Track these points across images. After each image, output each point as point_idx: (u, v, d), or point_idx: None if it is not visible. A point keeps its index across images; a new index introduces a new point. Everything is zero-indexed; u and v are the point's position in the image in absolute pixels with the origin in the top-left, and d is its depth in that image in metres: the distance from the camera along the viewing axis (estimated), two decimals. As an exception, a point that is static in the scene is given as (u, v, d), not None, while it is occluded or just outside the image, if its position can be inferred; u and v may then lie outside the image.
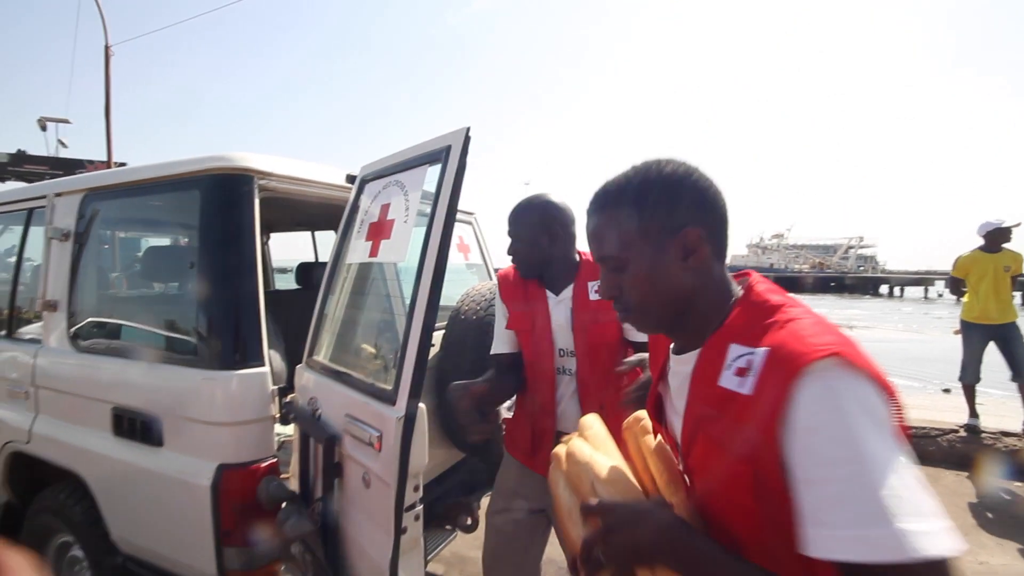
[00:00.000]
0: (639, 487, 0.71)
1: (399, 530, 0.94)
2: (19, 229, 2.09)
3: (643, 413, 0.83)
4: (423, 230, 1.00)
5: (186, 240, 1.94)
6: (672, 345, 0.75)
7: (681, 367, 0.70)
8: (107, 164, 10.37)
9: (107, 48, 8.75)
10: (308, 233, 3.51)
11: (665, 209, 0.66)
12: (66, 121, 22.08)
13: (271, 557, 1.26)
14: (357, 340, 1.51)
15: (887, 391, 0.52)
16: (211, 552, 1.26)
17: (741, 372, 0.58)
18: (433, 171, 1.05)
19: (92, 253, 1.77)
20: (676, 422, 0.71)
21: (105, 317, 1.78)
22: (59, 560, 1.72)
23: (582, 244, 1.40)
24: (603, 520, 0.60)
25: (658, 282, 0.67)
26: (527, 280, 1.40)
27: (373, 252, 1.18)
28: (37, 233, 1.96)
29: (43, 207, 1.85)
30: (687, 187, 0.66)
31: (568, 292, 1.36)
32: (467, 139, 0.99)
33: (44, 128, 21.92)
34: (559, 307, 1.37)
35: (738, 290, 0.69)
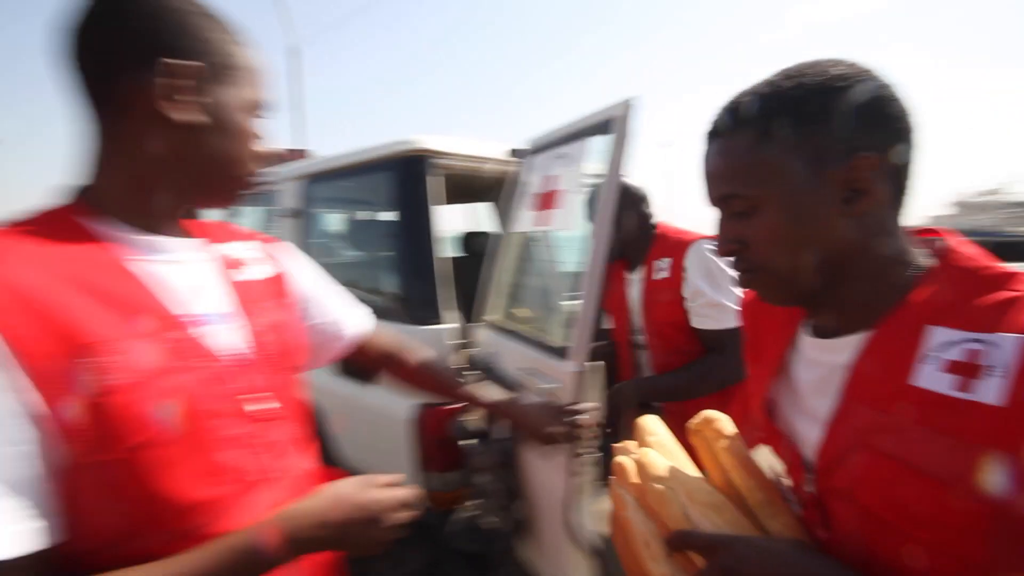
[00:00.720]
0: (744, 516, 0.55)
1: (573, 472, 1.06)
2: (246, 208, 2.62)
3: (715, 413, 0.66)
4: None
5: (381, 214, 2.26)
6: (807, 325, 0.58)
7: (824, 355, 0.54)
8: (301, 153, 12.19)
9: (292, 47, 10.13)
10: (462, 205, 3.80)
11: (826, 126, 0.46)
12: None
13: (461, 483, 1.49)
14: (525, 301, 1.66)
15: None
16: (413, 473, 1.54)
17: (959, 368, 0.41)
18: (598, 142, 1.09)
19: (313, 228, 2.17)
20: (807, 428, 0.54)
21: (327, 282, 2.20)
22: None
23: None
24: (714, 559, 0.47)
25: (804, 232, 0.48)
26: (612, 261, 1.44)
27: (541, 221, 1.28)
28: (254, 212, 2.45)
29: (274, 190, 2.30)
30: (862, 96, 0.46)
31: (641, 271, 1.40)
32: (631, 109, 1.01)
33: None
34: (634, 287, 1.42)
35: (923, 254, 0.50)
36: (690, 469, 0.64)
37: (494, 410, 0.96)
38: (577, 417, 0.93)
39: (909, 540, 0.43)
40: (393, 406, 1.58)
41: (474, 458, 1.33)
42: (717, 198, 0.53)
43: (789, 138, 0.47)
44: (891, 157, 0.47)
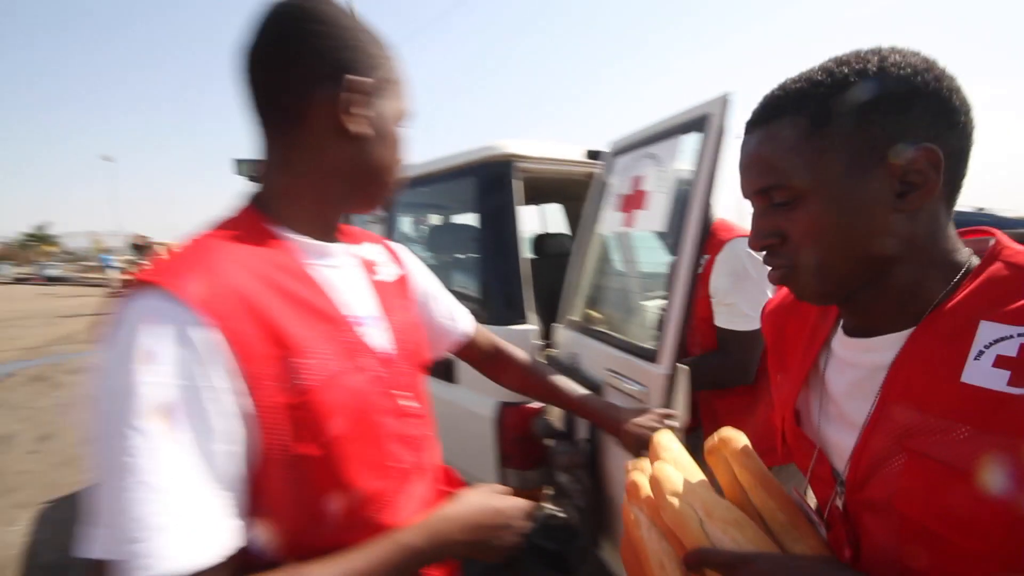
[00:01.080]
0: (765, 533, 0.52)
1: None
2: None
3: (733, 432, 0.62)
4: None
5: (468, 217, 2.36)
6: (843, 323, 0.54)
7: (862, 356, 0.50)
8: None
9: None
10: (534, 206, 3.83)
11: (883, 116, 0.43)
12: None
13: (541, 482, 1.51)
14: (609, 302, 1.66)
15: None
16: (494, 470, 1.58)
17: (1015, 364, 0.38)
18: (690, 140, 1.08)
19: (396, 232, 2.29)
20: (841, 436, 0.51)
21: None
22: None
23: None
24: None
25: (851, 226, 0.45)
26: None
27: (627, 222, 1.27)
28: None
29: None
30: (923, 86, 0.43)
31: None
32: (728, 105, 0.98)
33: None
34: None
35: (968, 252, 0.47)
36: (707, 485, 0.59)
37: (586, 413, 0.97)
38: (667, 421, 0.92)
39: (954, 552, 0.40)
40: (475, 404, 1.63)
41: (556, 457, 1.34)
42: (757, 189, 0.49)
43: (843, 126, 0.44)
44: (948, 149, 0.43)
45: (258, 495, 0.46)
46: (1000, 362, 0.39)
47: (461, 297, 1.97)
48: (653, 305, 1.61)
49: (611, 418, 0.90)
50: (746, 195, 0.53)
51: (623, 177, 1.37)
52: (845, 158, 0.44)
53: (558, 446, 1.36)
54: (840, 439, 0.52)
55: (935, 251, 0.46)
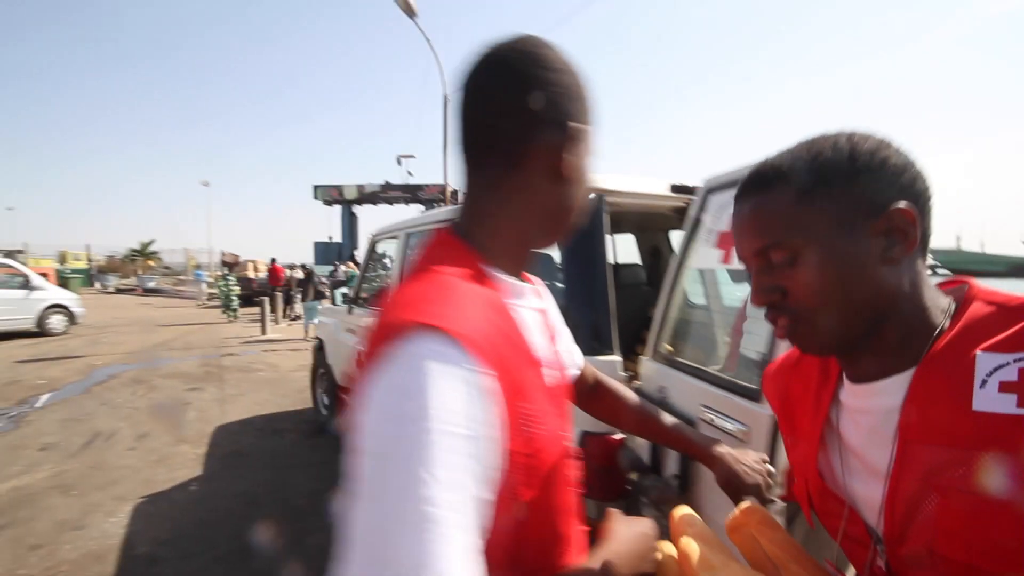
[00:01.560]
0: None
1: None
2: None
3: (755, 505, 0.61)
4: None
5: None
6: (846, 374, 0.56)
7: (873, 400, 0.52)
8: (442, 188, 13.27)
9: (445, 97, 11.27)
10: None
11: (864, 179, 0.49)
12: (412, 156, 29.47)
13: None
14: (706, 337, 1.65)
15: None
16: (573, 500, 1.58)
17: (1018, 387, 0.41)
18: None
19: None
20: (868, 488, 0.51)
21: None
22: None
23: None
24: None
25: (848, 277, 0.49)
26: None
27: (726, 259, 1.27)
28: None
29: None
30: (890, 156, 0.50)
31: None
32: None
33: (400, 163, 29.79)
34: None
35: (946, 299, 0.53)
36: (739, 563, 0.58)
37: (684, 444, 0.94)
38: (770, 467, 0.88)
39: None
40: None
41: (645, 491, 1.33)
42: (756, 250, 0.54)
43: (828, 192, 0.49)
44: (919, 209, 0.49)
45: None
46: (1005, 387, 0.42)
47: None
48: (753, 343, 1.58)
49: (709, 451, 0.87)
50: (743, 256, 0.57)
51: (720, 213, 1.37)
52: (834, 219, 0.49)
53: (646, 479, 1.35)
54: (868, 491, 0.52)
55: (922, 296, 0.51)
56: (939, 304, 0.52)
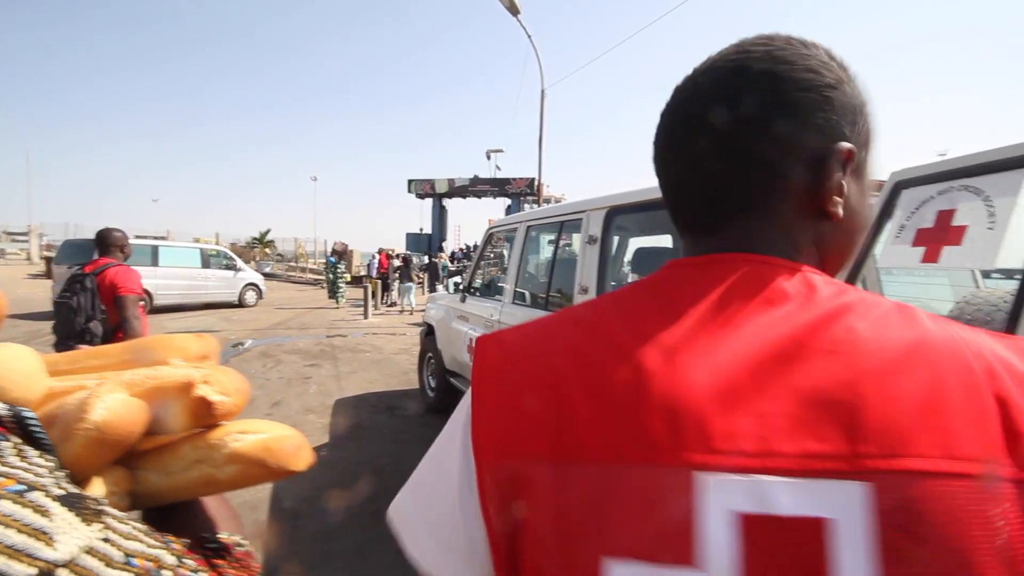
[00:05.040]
0: None
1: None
2: (552, 235, 3.02)
3: None
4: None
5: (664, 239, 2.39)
6: None
7: None
8: (529, 182, 13.35)
9: (543, 91, 11.33)
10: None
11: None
12: (500, 151, 29.96)
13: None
14: None
15: None
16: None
17: None
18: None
19: (610, 253, 2.40)
20: None
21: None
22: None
23: None
24: None
25: None
26: None
27: (929, 257, 1.19)
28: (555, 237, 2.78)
29: (578, 220, 2.62)
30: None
31: None
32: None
33: (489, 157, 30.40)
34: None
35: None
36: None
37: None
38: None
39: None
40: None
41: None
42: None
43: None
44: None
45: None
46: None
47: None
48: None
49: None
50: None
51: (917, 210, 1.28)
52: None
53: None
54: None
55: None
56: None
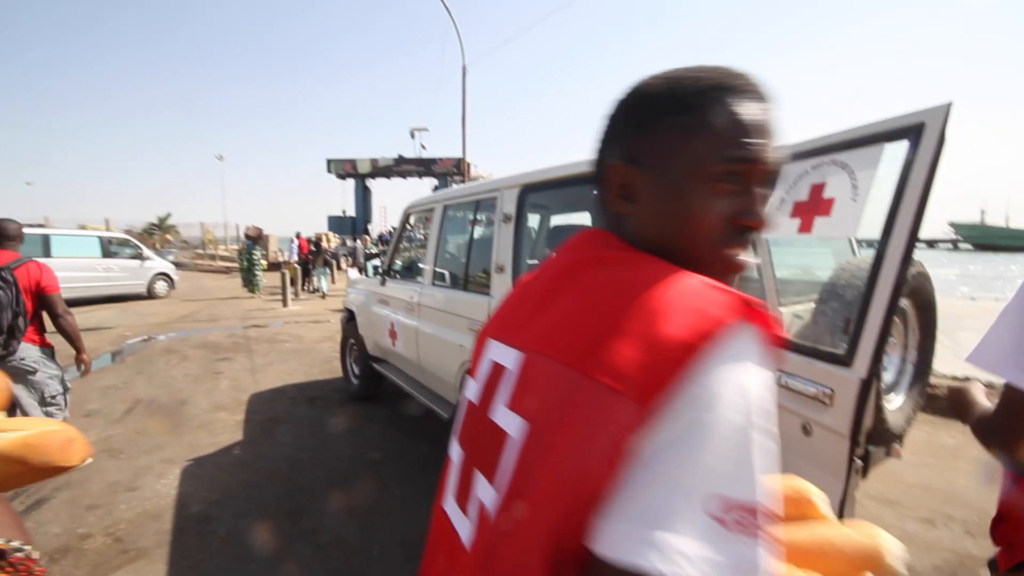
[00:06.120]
0: None
1: (850, 474, 1.04)
2: (469, 214, 2.97)
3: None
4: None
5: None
6: None
7: None
8: (456, 161, 13.14)
9: (464, 67, 11.09)
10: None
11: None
12: (425, 129, 29.19)
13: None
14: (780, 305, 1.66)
15: None
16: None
17: None
18: (892, 149, 1.07)
19: (525, 231, 2.39)
20: None
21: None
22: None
23: None
24: None
25: None
26: None
27: (804, 228, 1.27)
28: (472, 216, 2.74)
29: (494, 198, 2.58)
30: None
31: None
32: (947, 116, 0.97)
33: (413, 136, 29.54)
34: None
35: None
36: None
37: None
38: None
39: None
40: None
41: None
42: None
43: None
44: None
45: None
46: None
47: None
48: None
49: None
50: None
51: (793, 183, 1.37)
52: None
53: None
54: None
55: None
56: None
